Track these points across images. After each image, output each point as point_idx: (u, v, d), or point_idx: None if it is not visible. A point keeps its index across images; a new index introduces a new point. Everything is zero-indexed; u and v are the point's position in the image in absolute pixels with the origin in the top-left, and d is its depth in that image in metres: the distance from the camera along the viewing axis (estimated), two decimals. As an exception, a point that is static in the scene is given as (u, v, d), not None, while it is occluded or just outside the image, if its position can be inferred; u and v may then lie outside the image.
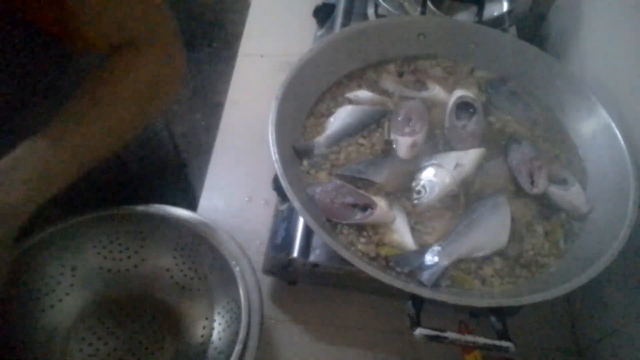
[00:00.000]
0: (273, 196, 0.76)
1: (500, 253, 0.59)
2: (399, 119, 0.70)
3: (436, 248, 0.58)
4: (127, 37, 0.52)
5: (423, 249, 0.59)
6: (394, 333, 0.70)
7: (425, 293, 0.52)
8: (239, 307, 0.57)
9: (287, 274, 0.69)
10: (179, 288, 0.67)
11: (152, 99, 0.55)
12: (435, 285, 0.56)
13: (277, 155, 0.58)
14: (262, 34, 1.07)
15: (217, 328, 0.64)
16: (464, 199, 0.63)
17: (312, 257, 0.64)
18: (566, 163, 0.68)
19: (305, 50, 0.70)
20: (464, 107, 0.71)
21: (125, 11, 0.51)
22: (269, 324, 0.70)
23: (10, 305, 0.60)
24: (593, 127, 0.68)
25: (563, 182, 0.65)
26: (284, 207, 0.72)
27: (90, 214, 0.62)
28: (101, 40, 0.52)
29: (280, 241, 0.67)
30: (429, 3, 0.82)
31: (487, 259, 0.59)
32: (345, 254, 0.52)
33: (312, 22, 0.97)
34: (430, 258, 0.57)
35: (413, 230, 0.60)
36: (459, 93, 0.72)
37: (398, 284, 0.52)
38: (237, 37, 1.09)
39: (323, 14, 0.94)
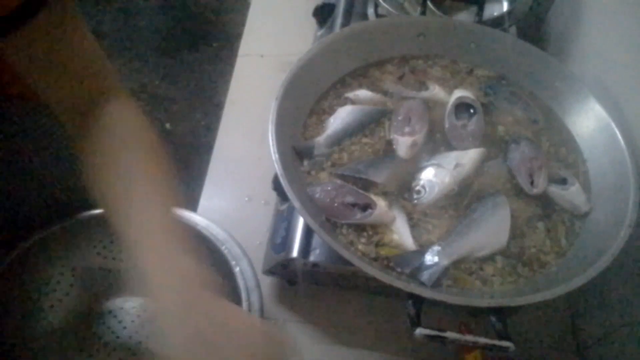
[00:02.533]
0: (273, 196, 0.76)
1: (502, 252, 0.59)
2: (399, 118, 0.69)
3: (436, 248, 0.58)
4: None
5: (423, 249, 0.59)
6: (394, 333, 0.70)
7: (425, 293, 0.52)
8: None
9: (287, 274, 0.69)
10: (179, 288, 0.67)
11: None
12: (436, 285, 0.56)
13: (277, 155, 0.58)
14: (262, 34, 1.07)
15: (217, 328, 0.64)
16: (467, 200, 0.63)
17: (312, 257, 0.64)
18: (566, 163, 0.68)
19: (305, 50, 0.70)
20: (463, 107, 0.71)
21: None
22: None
23: (10, 305, 0.60)
24: (593, 127, 0.68)
25: (563, 181, 0.65)
26: (284, 207, 0.72)
27: (90, 214, 0.62)
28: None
29: (280, 241, 0.67)
30: (429, 3, 0.82)
31: (488, 258, 0.59)
32: (345, 254, 0.52)
33: (312, 22, 0.97)
34: (430, 258, 0.57)
35: (413, 230, 0.60)
36: (458, 93, 0.72)
37: (398, 284, 0.52)
38: (237, 37, 1.09)
39: (323, 14, 0.94)
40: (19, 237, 0.61)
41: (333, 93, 0.74)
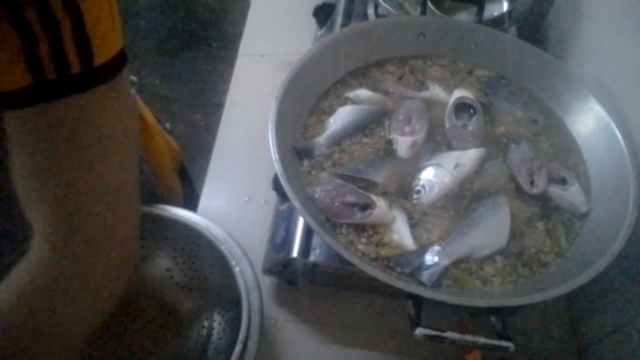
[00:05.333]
0: (273, 196, 0.76)
1: (502, 252, 0.59)
2: (399, 118, 0.70)
3: (436, 248, 0.58)
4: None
5: (423, 248, 0.59)
6: (394, 333, 0.70)
7: (425, 293, 0.52)
8: (239, 307, 0.57)
9: (287, 274, 0.69)
10: (179, 288, 0.67)
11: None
12: (436, 285, 0.56)
13: (277, 155, 0.58)
14: (262, 34, 1.07)
15: (217, 328, 0.64)
16: (467, 199, 0.63)
17: (312, 257, 0.64)
18: (566, 163, 0.68)
19: (305, 50, 0.70)
20: (463, 107, 0.71)
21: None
22: (269, 324, 0.70)
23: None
24: (593, 127, 0.68)
25: (562, 181, 0.65)
26: (284, 207, 0.72)
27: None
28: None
29: (280, 241, 0.67)
30: (429, 3, 0.82)
31: (488, 258, 0.59)
32: (345, 254, 0.52)
33: (312, 22, 0.97)
34: (430, 258, 0.57)
35: (413, 230, 0.60)
36: (458, 94, 0.72)
37: (398, 284, 0.52)
38: (237, 37, 1.09)
39: (323, 14, 0.94)
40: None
41: (333, 93, 0.74)
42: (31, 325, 0.41)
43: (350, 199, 0.60)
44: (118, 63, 0.38)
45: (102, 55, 0.37)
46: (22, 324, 0.41)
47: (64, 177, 0.38)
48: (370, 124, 0.70)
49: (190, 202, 0.92)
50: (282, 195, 0.69)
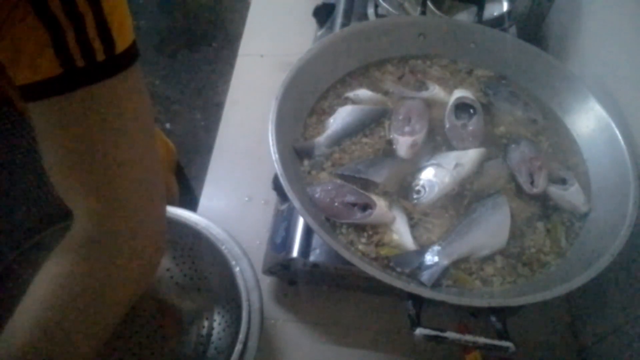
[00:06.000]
0: (273, 196, 0.76)
1: (502, 252, 0.59)
2: (399, 118, 0.70)
3: (436, 248, 0.58)
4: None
5: (423, 248, 0.59)
6: (394, 333, 0.70)
7: (425, 293, 0.52)
8: (239, 307, 0.57)
9: (287, 274, 0.69)
10: (179, 288, 0.67)
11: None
12: (436, 285, 0.56)
13: (277, 155, 0.58)
14: (262, 34, 1.07)
15: (217, 328, 0.64)
16: (467, 199, 0.63)
17: (312, 257, 0.64)
18: (566, 163, 0.68)
19: (305, 50, 0.70)
20: (463, 107, 0.71)
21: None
22: (269, 324, 0.70)
23: (10, 306, 0.60)
24: (593, 127, 0.68)
25: (562, 181, 0.65)
26: (284, 207, 0.72)
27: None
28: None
29: (280, 241, 0.67)
30: (429, 3, 0.82)
31: (488, 258, 0.59)
32: (345, 254, 0.52)
33: (312, 22, 0.97)
34: (430, 258, 0.57)
35: (413, 230, 0.60)
36: (458, 94, 0.72)
37: (398, 284, 0.52)
38: (237, 37, 1.09)
39: (323, 14, 0.94)
40: (19, 238, 0.61)
41: (333, 93, 0.74)
42: (72, 308, 0.43)
43: (350, 199, 0.60)
44: (134, 50, 0.41)
45: (121, 42, 0.39)
46: (63, 310, 0.42)
47: (99, 160, 0.40)
48: (370, 124, 0.70)
49: (187, 202, 0.92)
50: (282, 195, 0.69)
